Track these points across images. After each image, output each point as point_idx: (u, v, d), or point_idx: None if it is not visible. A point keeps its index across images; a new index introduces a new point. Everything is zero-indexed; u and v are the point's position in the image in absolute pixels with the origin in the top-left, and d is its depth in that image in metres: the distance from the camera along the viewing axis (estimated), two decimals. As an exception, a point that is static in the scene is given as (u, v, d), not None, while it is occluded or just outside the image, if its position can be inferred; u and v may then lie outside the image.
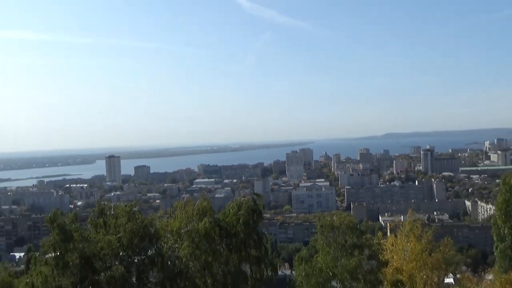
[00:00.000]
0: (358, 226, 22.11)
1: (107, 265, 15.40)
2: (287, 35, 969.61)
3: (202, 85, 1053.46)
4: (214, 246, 16.99)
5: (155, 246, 15.93)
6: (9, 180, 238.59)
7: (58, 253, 15.48)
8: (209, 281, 16.78)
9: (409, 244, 22.85)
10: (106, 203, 21.14)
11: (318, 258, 20.66)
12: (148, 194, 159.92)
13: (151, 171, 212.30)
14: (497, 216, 34.13)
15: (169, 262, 15.83)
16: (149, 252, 15.76)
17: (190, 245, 18.27)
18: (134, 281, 15.63)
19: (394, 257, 23.33)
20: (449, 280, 48.35)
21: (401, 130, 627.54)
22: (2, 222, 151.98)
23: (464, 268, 71.64)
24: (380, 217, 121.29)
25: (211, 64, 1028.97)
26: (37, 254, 18.76)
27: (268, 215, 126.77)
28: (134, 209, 15.81)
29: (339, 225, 20.18)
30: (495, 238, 34.68)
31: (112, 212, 15.93)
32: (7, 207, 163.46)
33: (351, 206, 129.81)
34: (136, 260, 15.47)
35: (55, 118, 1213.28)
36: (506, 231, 33.17)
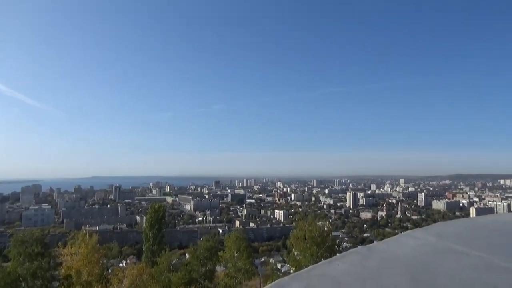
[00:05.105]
0: (44, 239, 28.66)
1: None
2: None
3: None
4: None
5: None
6: None
7: None
8: None
9: (80, 248, 32.04)
10: None
11: (9, 264, 24.55)
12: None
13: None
14: (145, 225, 50.07)
15: None
16: None
17: None
18: None
19: (69, 258, 31.61)
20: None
21: (102, 174, 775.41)
22: None
23: (131, 256, 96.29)
24: (83, 228, 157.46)
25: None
26: None
27: (1, 229, 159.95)
28: None
29: (29, 239, 24.50)
30: (144, 239, 49.82)
31: None
32: None
33: (65, 221, 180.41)
34: None
35: None
36: (150, 235, 48.39)
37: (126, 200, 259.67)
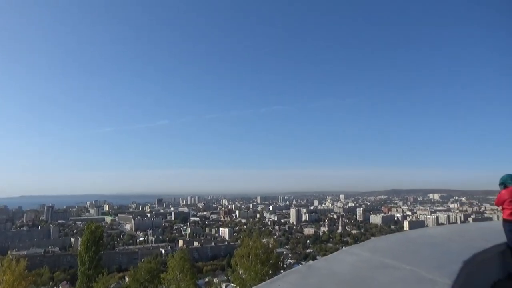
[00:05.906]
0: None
1: None
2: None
3: None
4: None
5: None
6: None
7: None
8: None
9: (4, 276, 29.09)
10: None
11: None
12: None
13: None
14: (81, 247, 46.86)
15: None
16: None
17: None
18: None
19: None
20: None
21: (33, 193, 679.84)
22: None
23: (65, 282, 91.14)
24: (9, 252, 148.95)
25: None
26: None
27: None
28: None
29: None
30: (79, 263, 46.48)
31: None
32: None
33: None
34: None
35: None
36: (86, 258, 45.17)
37: (60, 221, 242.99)
